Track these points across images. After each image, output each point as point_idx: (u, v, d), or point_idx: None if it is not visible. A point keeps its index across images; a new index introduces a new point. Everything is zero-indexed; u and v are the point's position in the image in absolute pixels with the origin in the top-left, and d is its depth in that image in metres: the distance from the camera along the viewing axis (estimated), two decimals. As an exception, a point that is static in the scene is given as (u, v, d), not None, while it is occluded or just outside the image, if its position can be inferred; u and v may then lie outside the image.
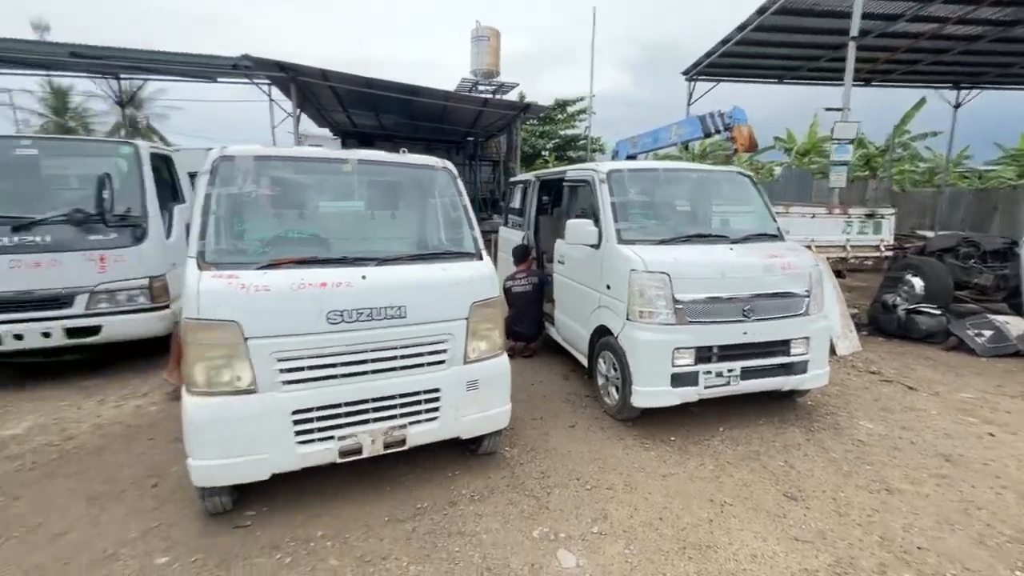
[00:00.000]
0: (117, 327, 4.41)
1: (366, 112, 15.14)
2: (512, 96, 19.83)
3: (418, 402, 2.67)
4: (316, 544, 2.34)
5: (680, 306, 3.35)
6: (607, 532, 2.46)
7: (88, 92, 29.43)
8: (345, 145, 20.47)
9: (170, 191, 5.27)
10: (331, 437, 2.48)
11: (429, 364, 2.68)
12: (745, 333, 3.45)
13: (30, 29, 17.52)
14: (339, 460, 2.50)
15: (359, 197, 3.18)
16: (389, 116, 15.68)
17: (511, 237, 6.17)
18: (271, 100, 13.73)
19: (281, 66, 10.38)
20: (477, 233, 3.14)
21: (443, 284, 2.72)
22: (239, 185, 2.72)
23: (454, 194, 3.21)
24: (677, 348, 3.33)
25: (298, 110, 12.00)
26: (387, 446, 2.60)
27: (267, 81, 12.28)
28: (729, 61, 13.36)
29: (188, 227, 2.74)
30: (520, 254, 5.26)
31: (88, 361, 4.59)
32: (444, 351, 2.71)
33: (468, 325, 2.76)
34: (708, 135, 7.94)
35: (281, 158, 2.98)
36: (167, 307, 4.66)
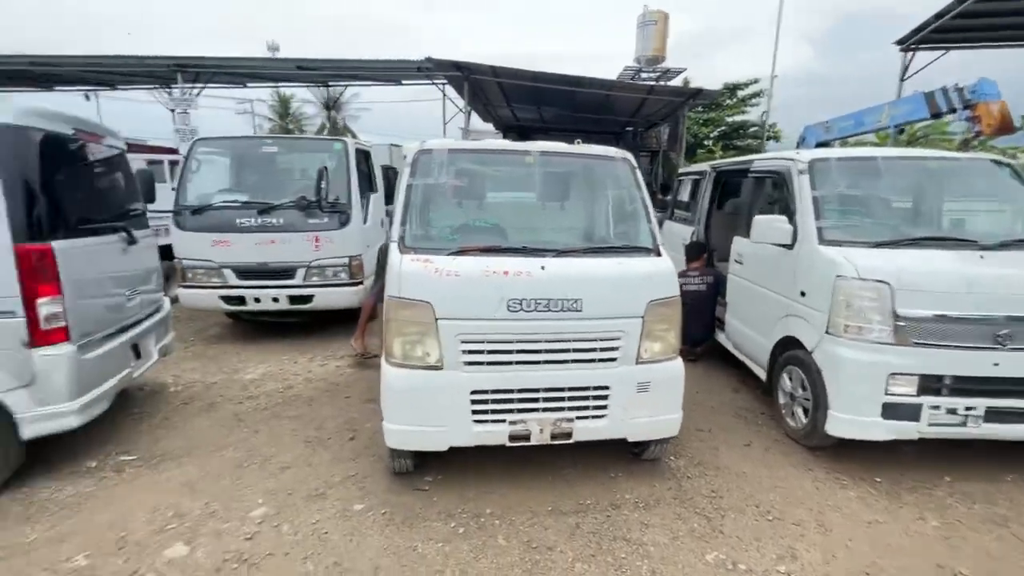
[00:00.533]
0: (324, 297, 5.19)
1: (529, 106, 15.58)
2: (676, 82, 18.71)
3: (587, 397, 2.62)
4: (485, 520, 2.46)
5: (902, 323, 2.78)
6: (797, 575, 2.15)
7: (303, 99, 35.18)
8: (506, 138, 21.43)
9: (367, 182, 6.01)
10: (503, 420, 2.57)
11: (600, 360, 2.62)
12: (996, 364, 2.74)
13: (266, 49, 21.75)
14: (508, 443, 2.58)
15: (538, 188, 3.23)
16: (550, 109, 15.92)
17: (677, 232, 5.80)
18: (444, 98, 14.92)
19: (457, 66, 11.20)
20: (655, 227, 2.97)
21: (619, 279, 2.63)
22: (435, 176, 2.94)
23: (632, 186, 3.08)
24: (894, 374, 2.78)
25: (468, 106, 12.82)
26: (553, 436, 2.61)
27: (443, 81, 13.35)
28: (966, 23, 10.76)
29: (389, 214, 3.06)
30: (695, 251, 4.91)
31: (302, 324, 5.49)
32: (616, 348, 2.62)
33: (643, 324, 2.63)
34: (937, 115, 6.51)
35: (471, 151, 3.16)
36: (361, 283, 5.34)
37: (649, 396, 2.69)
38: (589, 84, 12.21)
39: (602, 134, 18.60)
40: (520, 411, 2.58)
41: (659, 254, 2.85)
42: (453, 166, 3.02)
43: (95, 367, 2.82)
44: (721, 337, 4.63)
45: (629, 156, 3.19)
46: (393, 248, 2.69)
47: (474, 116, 18.18)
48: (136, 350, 3.32)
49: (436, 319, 2.48)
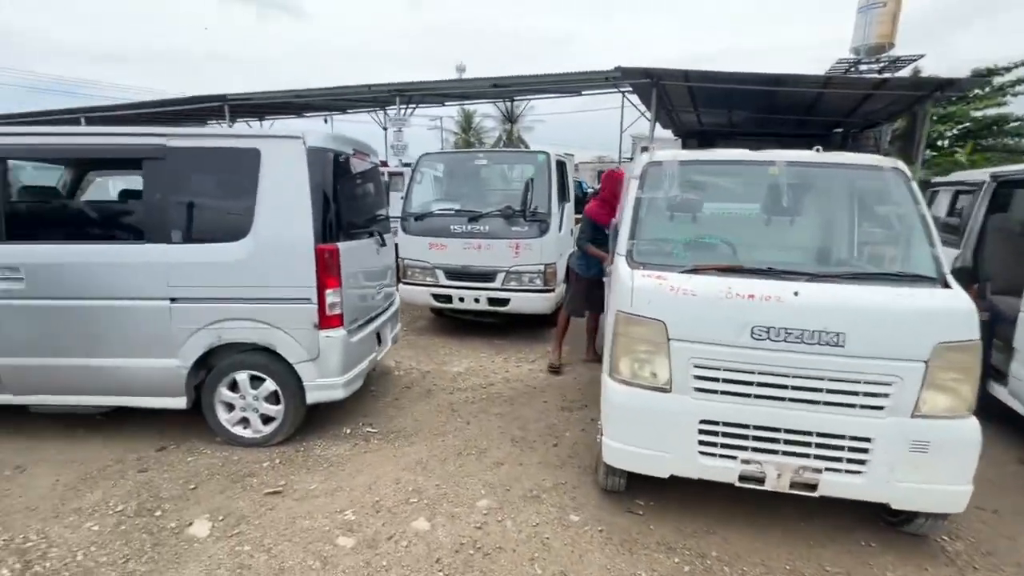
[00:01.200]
0: (519, 301, 5.46)
1: (718, 110, 14.48)
2: (905, 73, 15.62)
3: (840, 447, 2.25)
4: (711, 563, 2.26)
5: None
6: None
7: (484, 114, 37.98)
8: (686, 145, 20.36)
9: (562, 191, 6.17)
10: (734, 457, 2.34)
11: (863, 407, 2.23)
12: None
13: (455, 71, 24.29)
14: (736, 483, 2.35)
15: (783, 202, 2.90)
16: (741, 112, 14.57)
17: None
18: (624, 106, 14.74)
19: (646, 73, 10.95)
20: (940, 252, 2.44)
21: (898, 314, 2.20)
22: (665, 188, 2.84)
23: (907, 201, 2.58)
24: None
25: (654, 114, 12.46)
26: (793, 485, 2.30)
27: (628, 88, 13.20)
28: None
29: (615, 225, 3.05)
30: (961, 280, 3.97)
31: (496, 325, 5.86)
32: (886, 395, 2.20)
33: (926, 370, 2.17)
34: None
35: (706, 162, 2.99)
36: (553, 290, 5.49)
37: (927, 458, 2.20)
38: (795, 82, 10.89)
39: (804, 137, 16.44)
40: (755, 450, 2.33)
41: (947, 285, 2.33)
42: (685, 178, 2.88)
43: (356, 350, 3.34)
44: (1000, 392, 3.65)
45: (901, 165, 2.68)
46: (620, 262, 2.66)
47: (645, 123, 17.60)
48: (378, 337, 3.85)
49: (668, 339, 2.37)
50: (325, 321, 3.07)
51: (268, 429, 3.19)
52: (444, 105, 19.12)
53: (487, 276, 5.47)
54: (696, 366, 2.35)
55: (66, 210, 3.66)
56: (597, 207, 4.56)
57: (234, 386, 3.15)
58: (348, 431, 3.43)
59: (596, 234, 4.49)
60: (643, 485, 2.74)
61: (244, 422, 3.20)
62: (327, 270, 3.04)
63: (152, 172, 2.99)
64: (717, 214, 3.13)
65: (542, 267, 5.40)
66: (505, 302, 5.47)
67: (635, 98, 13.60)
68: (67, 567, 2.14)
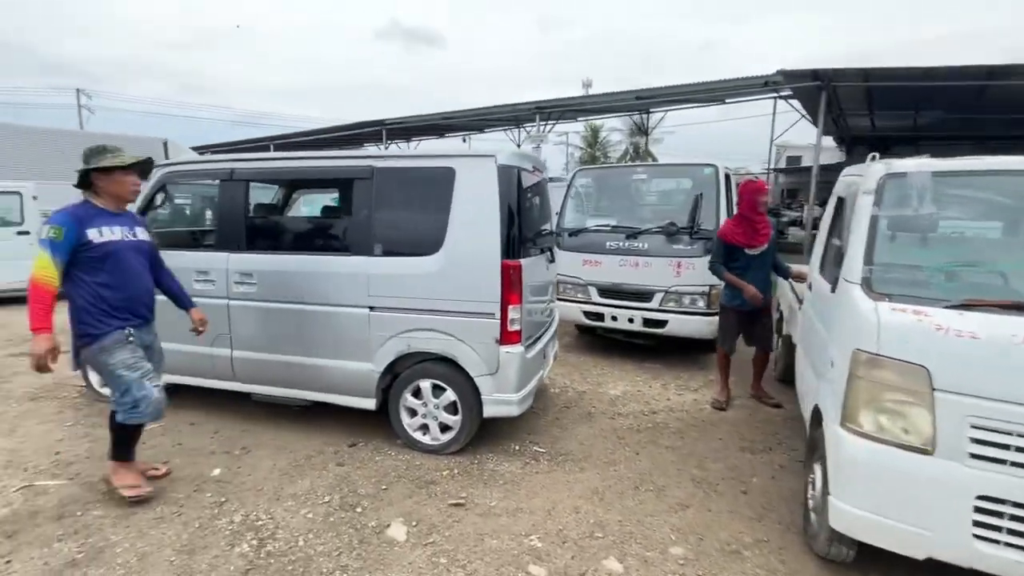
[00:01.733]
0: (678, 324, 5.10)
1: (900, 111, 12.61)
2: None
3: None
4: None
5: None
6: None
7: (611, 128, 37.44)
8: (852, 154, 17.98)
9: (729, 207, 5.69)
10: (1028, 548, 1.82)
11: None
12: None
13: (580, 87, 24.32)
14: (1031, 583, 1.82)
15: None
16: (932, 112, 12.51)
17: None
18: (774, 113, 13.41)
19: (816, 75, 9.85)
20: None
21: None
22: (912, 205, 2.37)
23: None
24: None
25: (822, 119, 11.14)
26: None
27: (788, 93, 12.00)
28: None
29: (836, 246, 2.63)
30: None
31: (647, 347, 5.55)
32: None
33: None
34: None
35: (967, 172, 2.45)
36: (715, 314, 5.04)
37: None
38: (1019, 74, 8.94)
39: (1008, 139, 13.56)
40: (1064, 544, 1.79)
41: None
42: (938, 192, 2.39)
43: (529, 366, 3.31)
44: None
45: None
46: (852, 291, 2.26)
47: (799, 130, 15.82)
48: (543, 354, 3.81)
49: (932, 389, 1.93)
50: (506, 336, 3.09)
51: (445, 438, 3.28)
52: (577, 120, 19.20)
53: (643, 295, 5.21)
54: (975, 427, 1.89)
55: (288, 224, 4.19)
56: (732, 226, 4.01)
57: (417, 393, 3.29)
58: (516, 448, 3.41)
59: (731, 258, 3.98)
60: (881, 559, 2.28)
61: (424, 428, 3.33)
62: (511, 286, 3.06)
63: (360, 191, 3.27)
64: (977, 235, 2.56)
65: (706, 288, 4.99)
66: (661, 324, 5.15)
67: (796, 102, 12.35)
68: (291, 550, 2.35)
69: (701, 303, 5.02)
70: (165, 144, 20.98)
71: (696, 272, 4.99)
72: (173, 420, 3.71)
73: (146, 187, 3.79)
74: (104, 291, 2.49)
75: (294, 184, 4.56)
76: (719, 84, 11.70)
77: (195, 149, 23.37)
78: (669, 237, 5.10)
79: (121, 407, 2.54)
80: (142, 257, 2.70)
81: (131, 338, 2.56)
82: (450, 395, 3.22)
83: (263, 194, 4.63)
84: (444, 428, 3.29)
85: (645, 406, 4.23)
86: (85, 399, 4.09)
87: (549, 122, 14.61)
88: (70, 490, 2.80)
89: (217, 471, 3.04)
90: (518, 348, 3.14)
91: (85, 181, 2.56)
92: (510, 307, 3.07)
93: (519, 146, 18.60)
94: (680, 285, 5.05)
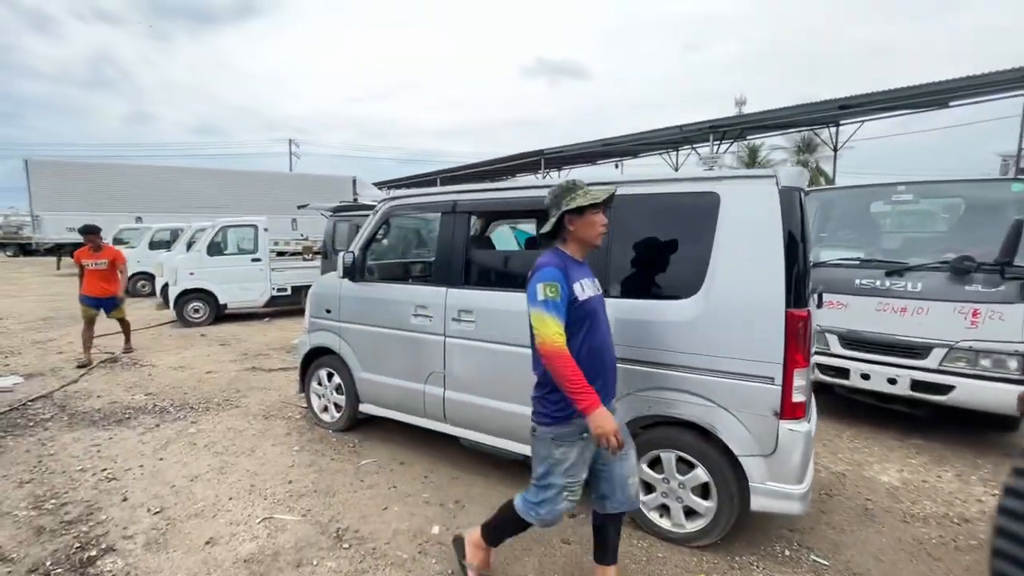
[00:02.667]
0: (970, 393, 3.78)
1: None
2: None
3: None
4: None
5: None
6: None
7: (773, 146, 33.82)
8: None
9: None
10: None
11: None
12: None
13: (733, 106, 22.03)
14: None
15: None
16: None
17: None
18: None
19: None
20: None
21: None
22: None
23: None
24: None
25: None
26: None
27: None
28: None
29: None
30: None
31: (914, 417, 4.26)
32: None
33: None
34: None
35: None
36: (1034, 382, 3.64)
37: None
38: None
39: None
40: None
41: None
42: None
43: (811, 450, 2.53)
44: None
45: None
46: None
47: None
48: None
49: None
50: (789, 409, 2.36)
51: (691, 526, 2.63)
52: (746, 139, 17.43)
53: (913, 350, 4.01)
54: None
55: (511, 259, 3.98)
56: None
57: (655, 464, 2.71)
58: (786, 553, 2.61)
59: None
60: None
61: (663, 509, 2.72)
62: (798, 342, 2.34)
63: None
64: None
65: (1020, 347, 3.64)
66: (942, 389, 3.88)
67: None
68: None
69: (1014, 365, 3.67)
70: (354, 181, 24.17)
71: (1006, 324, 3.67)
72: (384, 455, 3.64)
73: (369, 222, 3.89)
74: (581, 363, 1.93)
75: (497, 215, 4.40)
76: (947, 84, 9.47)
77: (376, 185, 26.52)
78: (957, 275, 3.86)
79: (529, 501, 2.12)
80: (605, 317, 2.19)
81: (584, 435, 1.99)
82: (701, 474, 2.57)
83: (483, 226, 4.54)
84: (690, 513, 2.65)
85: (947, 508, 3.09)
86: (307, 421, 4.30)
87: (725, 141, 13.36)
88: (304, 530, 2.75)
89: (436, 529, 2.78)
90: (804, 425, 2.39)
91: (558, 227, 2.09)
92: (796, 370, 2.35)
93: (676, 170, 17.44)
94: (977, 340, 3.76)
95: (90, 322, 6.32)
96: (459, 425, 3.40)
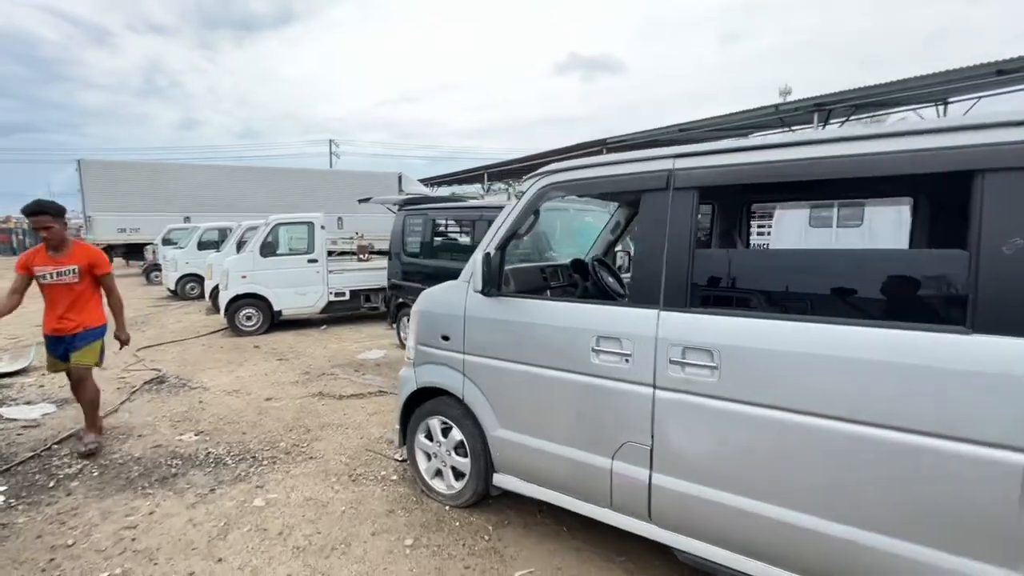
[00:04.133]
0: None
1: None
2: None
3: None
4: None
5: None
6: None
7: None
8: None
9: None
10: None
11: None
12: None
13: (779, 97, 19.96)
14: None
15: None
16: None
17: None
18: None
19: None
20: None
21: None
22: None
23: None
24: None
25: None
26: None
27: None
28: None
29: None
30: None
31: None
32: None
33: None
34: None
35: None
36: None
37: None
38: None
39: None
40: None
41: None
42: None
43: None
44: None
45: None
46: None
47: None
48: None
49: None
50: None
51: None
52: (858, 118, 15.42)
53: None
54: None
55: (795, 262, 2.68)
56: None
57: None
58: None
59: None
60: None
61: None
62: None
63: (999, 198, 1.53)
64: None
65: None
66: None
67: None
68: None
69: None
70: (400, 177, 23.31)
71: None
72: (539, 558, 2.42)
73: (512, 209, 2.67)
74: None
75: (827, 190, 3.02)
76: None
77: (421, 181, 25.64)
78: None
79: None
80: None
81: None
82: None
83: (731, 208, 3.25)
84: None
85: None
86: (410, 486, 3.11)
87: (832, 121, 11.59)
88: None
89: None
90: None
91: None
92: None
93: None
94: None
95: (79, 382, 3.61)
96: (676, 529, 2.14)
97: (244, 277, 7.77)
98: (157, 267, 15.50)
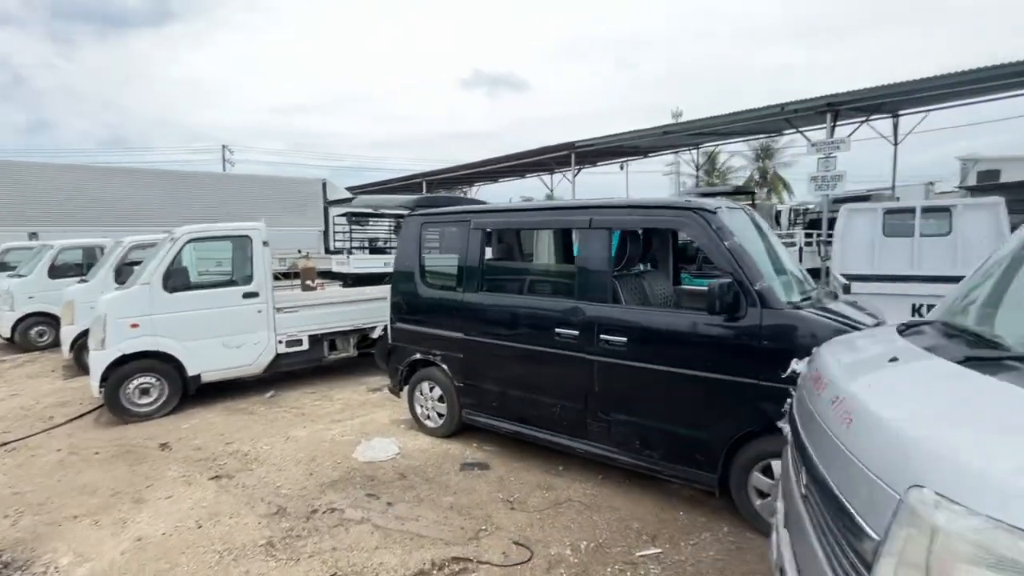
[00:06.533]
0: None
1: None
2: None
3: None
4: None
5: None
6: None
7: (730, 152, 33.07)
8: None
9: None
10: None
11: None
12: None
13: (671, 118, 20.39)
14: None
15: None
16: None
17: None
18: None
19: None
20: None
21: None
22: None
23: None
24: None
25: None
26: None
27: None
28: None
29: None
30: None
31: None
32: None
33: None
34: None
35: None
36: None
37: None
38: None
39: None
40: None
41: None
42: None
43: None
44: None
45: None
46: None
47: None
48: None
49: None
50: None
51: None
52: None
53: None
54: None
55: None
56: None
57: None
58: None
59: None
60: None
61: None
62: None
63: None
64: None
65: None
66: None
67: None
68: None
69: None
70: (324, 184, 19.98)
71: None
72: None
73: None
74: None
75: None
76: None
77: (349, 190, 22.37)
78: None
79: None
80: None
81: None
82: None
83: None
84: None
85: None
86: None
87: (855, 120, 10.82)
88: None
89: None
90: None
91: None
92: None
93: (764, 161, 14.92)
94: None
95: None
96: None
97: (135, 326, 4.77)
98: (-16, 302, 11.12)
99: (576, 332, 3.31)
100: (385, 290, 6.86)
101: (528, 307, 3.67)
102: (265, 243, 5.43)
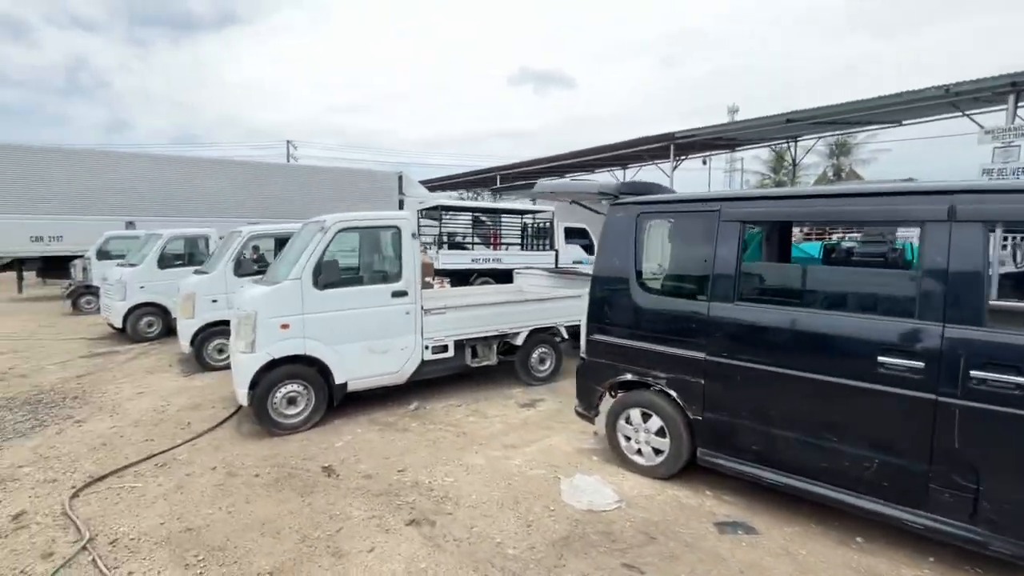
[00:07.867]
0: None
1: None
2: None
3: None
4: None
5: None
6: None
7: (803, 147, 30.77)
8: None
9: None
10: None
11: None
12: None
13: (727, 114, 18.56)
14: None
15: None
16: None
17: None
18: None
19: None
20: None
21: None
22: None
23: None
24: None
25: None
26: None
27: None
28: None
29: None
30: None
31: None
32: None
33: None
34: None
35: None
36: None
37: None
38: None
39: None
40: None
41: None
42: None
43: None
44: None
45: None
46: None
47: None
48: None
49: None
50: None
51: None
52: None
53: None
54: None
55: None
56: None
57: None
58: None
59: None
60: None
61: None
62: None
63: None
64: None
65: None
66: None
67: None
68: None
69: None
70: (400, 177, 19.71)
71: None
72: None
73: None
74: None
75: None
76: None
77: (422, 183, 22.05)
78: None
79: None
80: None
81: None
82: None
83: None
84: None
85: None
86: None
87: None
88: None
89: None
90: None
91: None
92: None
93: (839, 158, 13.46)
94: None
95: None
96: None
97: (286, 327, 4.21)
98: (90, 290, 11.24)
99: (921, 364, 2.41)
100: (545, 291, 6.17)
101: (825, 325, 2.77)
102: (414, 235, 4.78)
